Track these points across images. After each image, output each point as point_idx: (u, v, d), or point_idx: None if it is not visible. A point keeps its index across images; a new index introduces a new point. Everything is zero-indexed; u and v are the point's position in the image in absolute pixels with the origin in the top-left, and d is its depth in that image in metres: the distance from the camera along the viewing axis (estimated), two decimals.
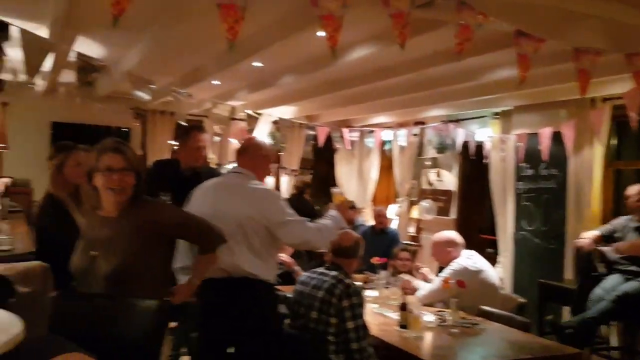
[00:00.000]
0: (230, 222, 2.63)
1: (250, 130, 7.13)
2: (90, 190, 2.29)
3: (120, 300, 2.13)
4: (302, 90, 6.02)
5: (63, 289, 2.48)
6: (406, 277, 4.19)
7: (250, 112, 6.29)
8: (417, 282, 4.10)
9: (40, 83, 5.98)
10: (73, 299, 2.26)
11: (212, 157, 7.54)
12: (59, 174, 3.45)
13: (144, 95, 3.99)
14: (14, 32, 3.56)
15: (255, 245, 2.68)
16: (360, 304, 2.86)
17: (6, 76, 4.29)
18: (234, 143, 7.35)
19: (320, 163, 9.01)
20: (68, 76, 4.81)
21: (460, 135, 6.29)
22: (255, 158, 2.93)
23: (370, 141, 7.79)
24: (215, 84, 5.91)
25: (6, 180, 5.74)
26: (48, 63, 4.56)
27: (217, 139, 7.40)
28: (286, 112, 7.29)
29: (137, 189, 2.26)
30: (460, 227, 6.42)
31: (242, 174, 2.87)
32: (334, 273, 2.94)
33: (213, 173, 3.72)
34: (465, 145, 6.31)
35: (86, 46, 4.51)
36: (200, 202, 2.83)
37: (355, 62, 4.30)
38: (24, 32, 3.16)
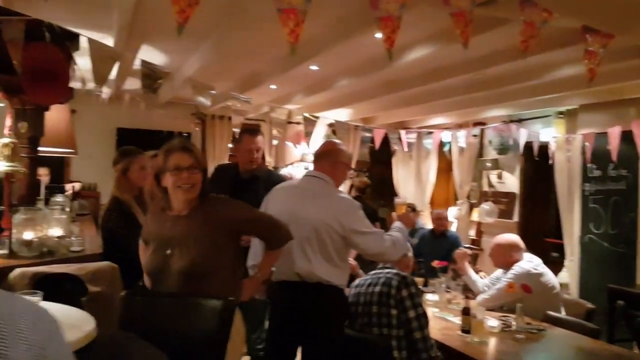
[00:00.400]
0: (307, 227, 2.64)
1: (308, 134, 7.17)
2: (160, 192, 2.35)
3: (187, 299, 2.18)
4: (358, 93, 6.01)
5: (130, 288, 2.57)
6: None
7: (307, 115, 6.34)
8: (475, 277, 4.04)
9: (106, 91, 6.23)
10: (141, 298, 2.33)
11: (269, 161, 7.65)
12: (124, 177, 3.58)
13: (204, 101, 4.08)
14: (82, 42, 3.72)
15: (330, 251, 2.69)
16: (418, 294, 2.84)
17: (76, 84, 4.50)
18: (291, 146, 7.43)
19: (377, 165, 8.96)
20: (132, 84, 4.99)
21: (522, 135, 6.10)
22: (335, 164, 2.89)
23: (428, 143, 7.68)
24: (272, 88, 5.99)
25: (77, 184, 6.01)
26: (114, 71, 4.75)
27: (275, 142, 7.49)
28: (342, 114, 7.29)
29: (205, 187, 2.30)
30: (523, 230, 6.23)
31: (321, 180, 2.84)
32: (387, 269, 2.94)
33: (271, 176, 3.75)
34: (528, 145, 6.11)
35: (150, 54, 4.67)
36: (277, 204, 2.81)
37: (413, 62, 4.25)
38: (92, 42, 3.30)
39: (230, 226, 2.30)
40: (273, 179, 3.56)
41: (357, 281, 3.13)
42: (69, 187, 6.22)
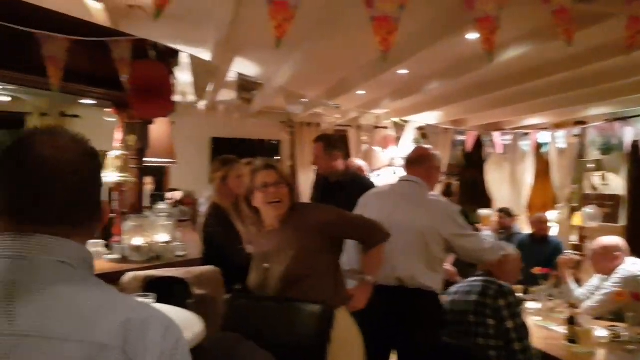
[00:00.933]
0: (409, 231, 2.66)
1: (398, 138, 7.12)
2: (252, 213, 2.45)
3: (287, 303, 2.24)
4: (448, 95, 5.89)
5: (229, 291, 2.67)
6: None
7: (395, 119, 6.30)
8: (574, 285, 3.84)
9: (202, 102, 6.54)
10: (245, 301, 2.41)
11: (361, 165, 7.67)
12: (223, 185, 3.74)
13: (296, 109, 4.18)
14: (182, 57, 3.94)
15: (430, 256, 2.69)
16: (517, 303, 2.75)
17: (176, 98, 4.77)
18: (379, 151, 7.41)
19: (468, 169, 8.73)
20: (226, 95, 5.21)
21: (628, 134, 5.71)
22: (429, 169, 2.93)
23: (524, 144, 7.37)
24: (360, 93, 6.01)
25: (177, 192, 6.35)
26: (210, 84, 4.98)
27: (365, 147, 7.51)
28: (431, 117, 7.17)
29: (292, 200, 2.37)
30: (631, 234, 5.83)
31: (416, 184, 2.87)
32: (483, 277, 2.87)
33: (354, 180, 3.80)
34: (634, 145, 5.71)
35: (243, 66, 4.85)
36: (373, 210, 2.82)
37: (507, 62, 4.10)
38: (193, 58, 3.49)
39: (321, 229, 2.33)
40: (359, 183, 3.60)
41: (454, 288, 3.08)
42: (169, 195, 6.58)
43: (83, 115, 7.77)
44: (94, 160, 0.95)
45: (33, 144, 0.88)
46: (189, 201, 6.27)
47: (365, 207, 2.92)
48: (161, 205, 4.44)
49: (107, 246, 3.63)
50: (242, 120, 7.42)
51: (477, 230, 3.42)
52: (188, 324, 2.30)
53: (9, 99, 6.81)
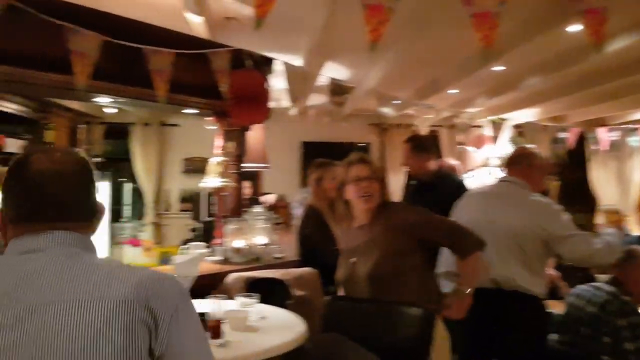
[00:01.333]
0: (505, 232, 2.57)
1: (494, 137, 6.90)
2: (343, 205, 2.48)
3: (386, 305, 2.23)
4: (547, 91, 5.62)
5: (331, 293, 2.70)
6: None
7: (492, 117, 6.09)
8: None
9: (293, 107, 6.69)
10: (344, 302, 2.44)
11: (449, 165, 7.50)
12: (318, 187, 3.81)
13: (388, 111, 4.17)
14: (275, 65, 4.06)
15: (529, 258, 2.58)
16: None
17: (271, 104, 4.92)
18: (473, 150, 7.21)
19: (570, 167, 8.28)
20: (317, 99, 5.29)
21: None
22: (529, 167, 2.80)
23: (634, 140, 6.89)
24: (452, 92, 5.88)
25: (270, 196, 6.53)
26: (301, 89, 5.08)
27: (458, 147, 7.34)
28: (527, 115, 6.87)
29: (383, 196, 2.37)
30: None
31: (515, 184, 2.77)
32: (611, 289, 2.65)
33: (444, 180, 3.74)
34: None
35: (334, 70, 4.90)
36: (470, 211, 2.78)
37: (612, 53, 3.85)
38: (287, 65, 3.58)
39: (409, 230, 2.31)
40: (447, 184, 3.54)
41: (576, 289, 2.90)
42: (263, 199, 6.77)
43: (183, 124, 8.22)
44: (85, 168, 1.11)
45: (31, 162, 1.06)
46: (281, 204, 6.43)
47: (462, 209, 2.85)
48: (257, 209, 4.58)
49: (209, 248, 3.80)
50: (332, 124, 7.50)
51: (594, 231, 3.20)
52: (290, 324, 2.36)
53: (116, 110, 7.33)
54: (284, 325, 2.33)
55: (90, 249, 1.08)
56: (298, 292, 2.96)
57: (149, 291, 0.99)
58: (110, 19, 2.96)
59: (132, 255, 3.59)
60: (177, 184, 8.01)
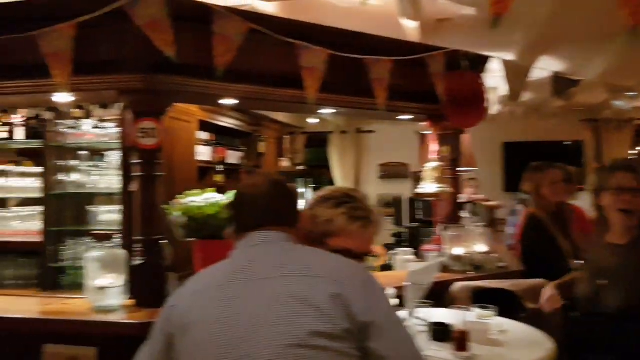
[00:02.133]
0: None
1: None
2: (596, 211, 2.23)
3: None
4: None
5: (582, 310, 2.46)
6: None
7: None
8: None
9: (496, 106, 6.35)
10: (585, 318, 2.23)
11: None
12: (537, 195, 3.55)
13: (622, 105, 3.73)
14: (491, 63, 3.89)
15: None
16: None
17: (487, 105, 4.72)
18: None
19: None
20: (531, 95, 4.95)
21: None
22: None
23: None
24: None
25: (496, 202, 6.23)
26: (503, 87, 4.78)
27: None
28: None
29: None
30: None
31: None
32: None
33: None
34: None
35: (548, 63, 4.53)
36: None
37: None
38: (506, 62, 3.40)
39: None
40: None
41: None
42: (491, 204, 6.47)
43: (378, 130, 8.35)
44: (278, 188, 1.52)
45: (243, 190, 1.55)
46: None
47: None
48: (466, 215, 4.43)
49: (416, 254, 3.75)
50: (536, 122, 6.98)
51: None
52: (536, 340, 2.19)
53: (318, 121, 7.71)
54: (530, 341, 2.17)
55: (294, 242, 1.44)
56: (531, 306, 2.75)
57: (341, 273, 1.31)
58: (332, 32, 3.08)
59: None
60: (374, 189, 8.16)
